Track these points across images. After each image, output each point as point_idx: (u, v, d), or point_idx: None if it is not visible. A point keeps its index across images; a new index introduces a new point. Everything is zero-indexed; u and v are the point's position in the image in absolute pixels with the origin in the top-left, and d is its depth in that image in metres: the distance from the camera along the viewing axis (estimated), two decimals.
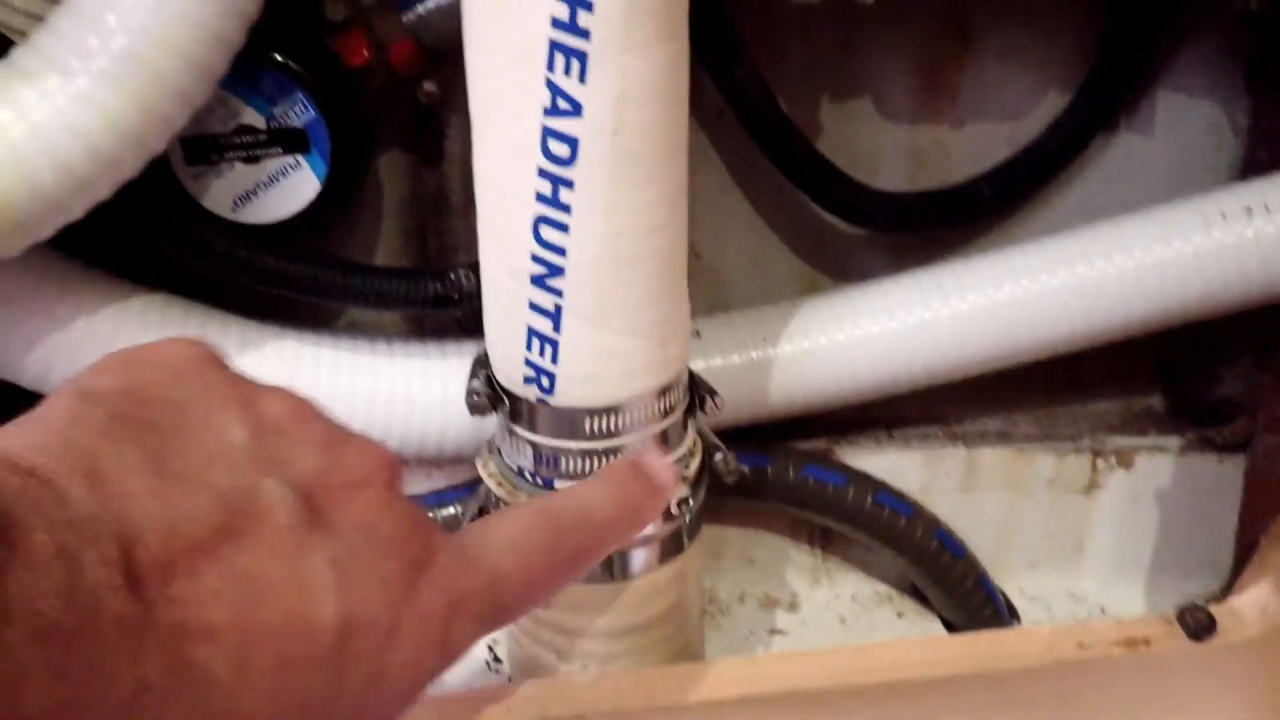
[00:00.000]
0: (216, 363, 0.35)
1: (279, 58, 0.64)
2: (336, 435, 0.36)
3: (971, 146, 0.83)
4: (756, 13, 0.76)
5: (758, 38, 0.76)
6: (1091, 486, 0.89)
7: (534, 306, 0.55)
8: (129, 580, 0.27)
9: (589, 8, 0.48)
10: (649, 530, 0.61)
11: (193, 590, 0.28)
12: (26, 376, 0.66)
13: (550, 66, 0.49)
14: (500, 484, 0.62)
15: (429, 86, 0.69)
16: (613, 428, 0.58)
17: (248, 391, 0.34)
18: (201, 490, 0.30)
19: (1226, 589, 0.88)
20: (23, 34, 0.57)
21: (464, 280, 0.70)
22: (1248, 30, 0.79)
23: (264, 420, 0.34)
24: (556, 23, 0.48)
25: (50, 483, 0.27)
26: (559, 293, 0.54)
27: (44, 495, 0.27)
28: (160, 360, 0.34)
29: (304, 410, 0.36)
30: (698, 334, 0.77)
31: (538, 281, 0.54)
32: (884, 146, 0.82)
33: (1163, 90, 0.82)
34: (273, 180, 0.66)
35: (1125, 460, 0.88)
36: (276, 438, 0.34)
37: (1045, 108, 0.82)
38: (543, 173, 0.51)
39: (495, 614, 0.38)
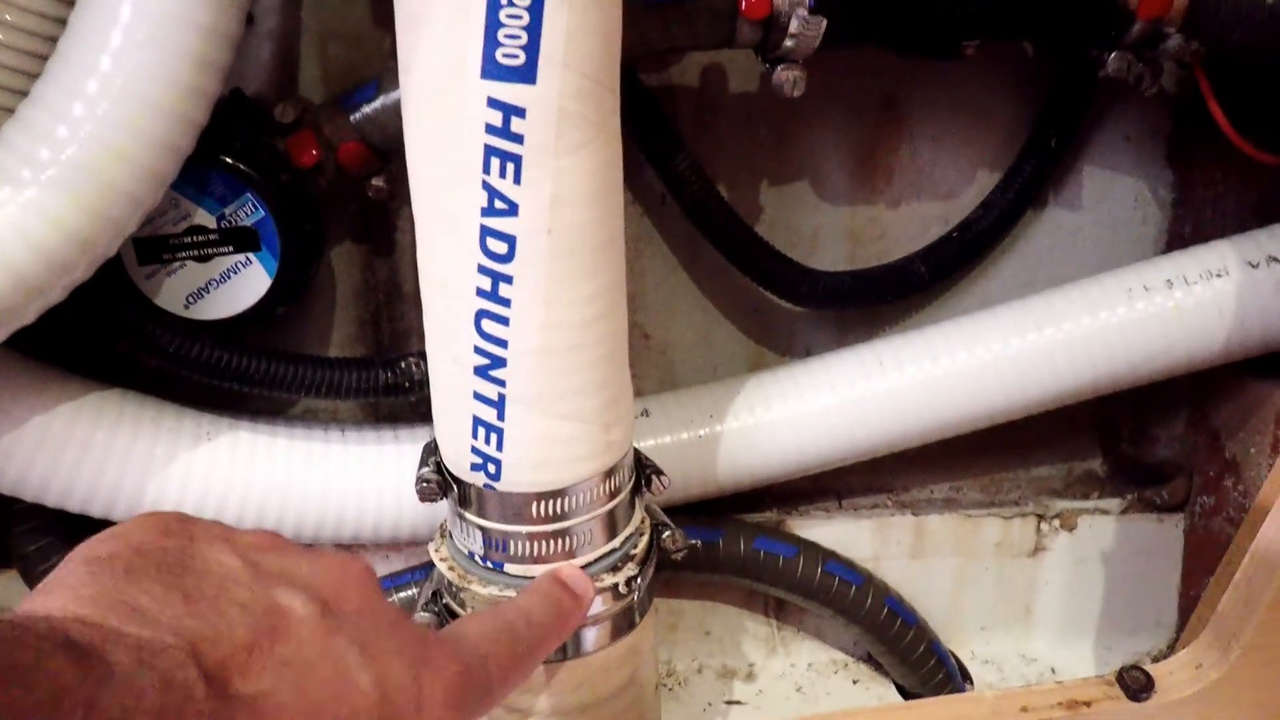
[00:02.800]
0: (189, 518, 0.40)
1: (229, 160, 0.65)
2: (311, 550, 0.42)
3: (907, 225, 0.86)
4: (697, 104, 0.79)
5: (698, 127, 0.79)
6: (1037, 549, 0.91)
7: (478, 396, 0.56)
8: (205, 678, 0.32)
9: (521, 114, 0.50)
10: (599, 609, 0.62)
11: (254, 682, 0.34)
12: None
13: (486, 169, 0.51)
14: (452, 568, 0.63)
15: (378, 183, 0.71)
16: (560, 511, 0.60)
17: (225, 531, 0.40)
18: (229, 606, 0.35)
19: (1173, 645, 0.90)
20: None
21: (414, 368, 0.71)
22: (1167, 110, 0.83)
23: (248, 548, 0.39)
24: (491, 128, 0.50)
25: (101, 625, 0.32)
26: (502, 382, 0.56)
27: (102, 632, 0.31)
28: (145, 525, 0.38)
29: (275, 537, 0.42)
30: (646, 413, 0.79)
31: (481, 372, 0.56)
32: (823, 227, 0.85)
33: (1088, 167, 0.85)
34: (224, 278, 0.68)
35: (1068, 523, 0.91)
36: (266, 557, 0.39)
37: (976, 187, 0.85)
38: (482, 269, 0.53)
39: (488, 690, 0.45)
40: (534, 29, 0.48)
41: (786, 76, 0.66)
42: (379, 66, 0.72)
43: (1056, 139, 0.81)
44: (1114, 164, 0.85)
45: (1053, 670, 0.94)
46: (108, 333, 0.69)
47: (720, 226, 0.78)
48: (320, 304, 0.80)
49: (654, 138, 0.75)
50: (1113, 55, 0.69)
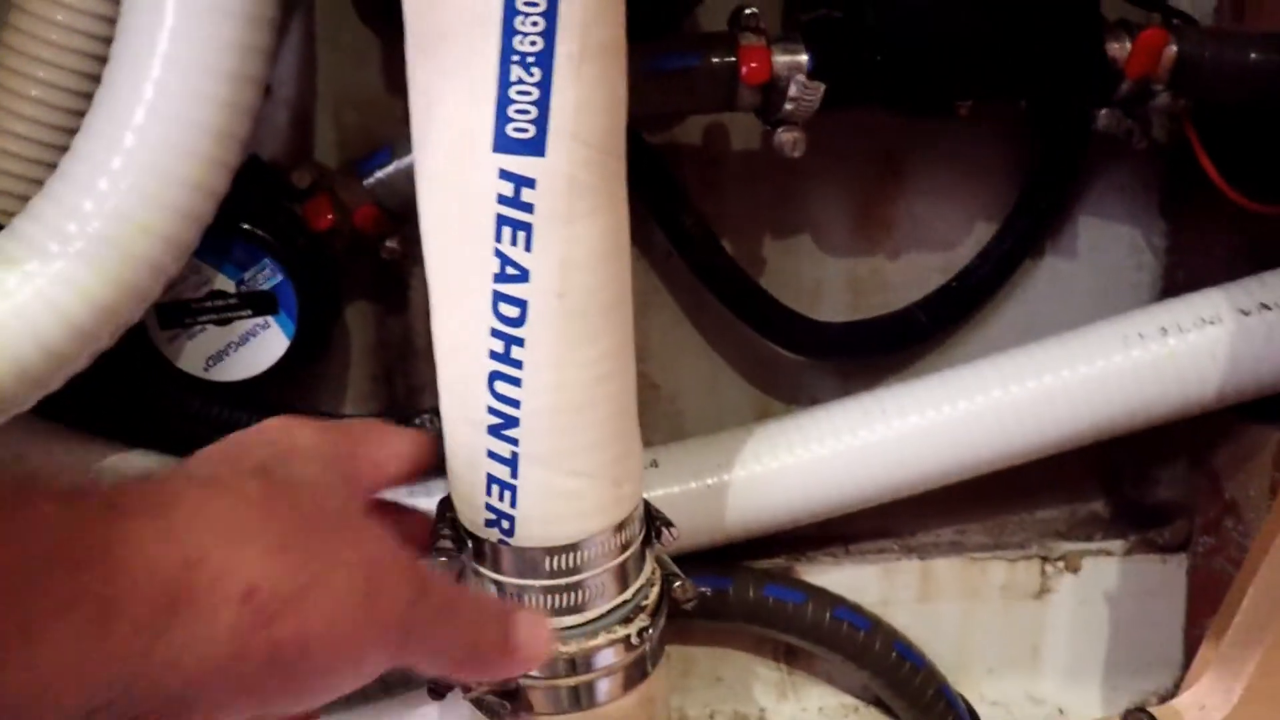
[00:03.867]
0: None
1: (247, 226, 0.67)
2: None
3: (907, 276, 0.87)
4: (701, 162, 0.81)
5: (703, 184, 0.81)
6: (1043, 591, 0.93)
7: (492, 454, 0.58)
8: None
9: (532, 185, 0.52)
10: (611, 660, 0.64)
11: None
12: None
13: (498, 238, 0.53)
14: None
15: (391, 244, 0.73)
16: (573, 565, 0.61)
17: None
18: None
19: (1179, 684, 0.91)
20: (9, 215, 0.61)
21: (428, 425, 0.73)
22: (1158, 161, 0.85)
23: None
24: (503, 199, 0.52)
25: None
26: (515, 441, 0.57)
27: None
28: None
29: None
30: (655, 463, 0.80)
31: (494, 431, 0.57)
32: (825, 279, 0.87)
33: (1084, 216, 0.87)
34: (243, 340, 0.70)
35: (1073, 565, 0.92)
36: None
37: (974, 237, 0.87)
38: (495, 332, 0.55)
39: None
40: (543, 104, 0.50)
41: (788, 138, 0.68)
42: (392, 132, 0.74)
43: (1051, 191, 0.83)
44: (1108, 213, 0.87)
45: (1060, 711, 0.94)
46: (129, 395, 0.71)
47: (725, 281, 0.80)
48: (335, 361, 0.82)
49: (660, 196, 0.77)
50: (1103, 112, 0.71)
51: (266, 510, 0.37)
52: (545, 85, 0.50)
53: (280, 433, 0.45)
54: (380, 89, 0.76)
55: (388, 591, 0.40)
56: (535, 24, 0.49)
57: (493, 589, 0.62)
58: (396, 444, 0.51)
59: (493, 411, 0.57)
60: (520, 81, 0.50)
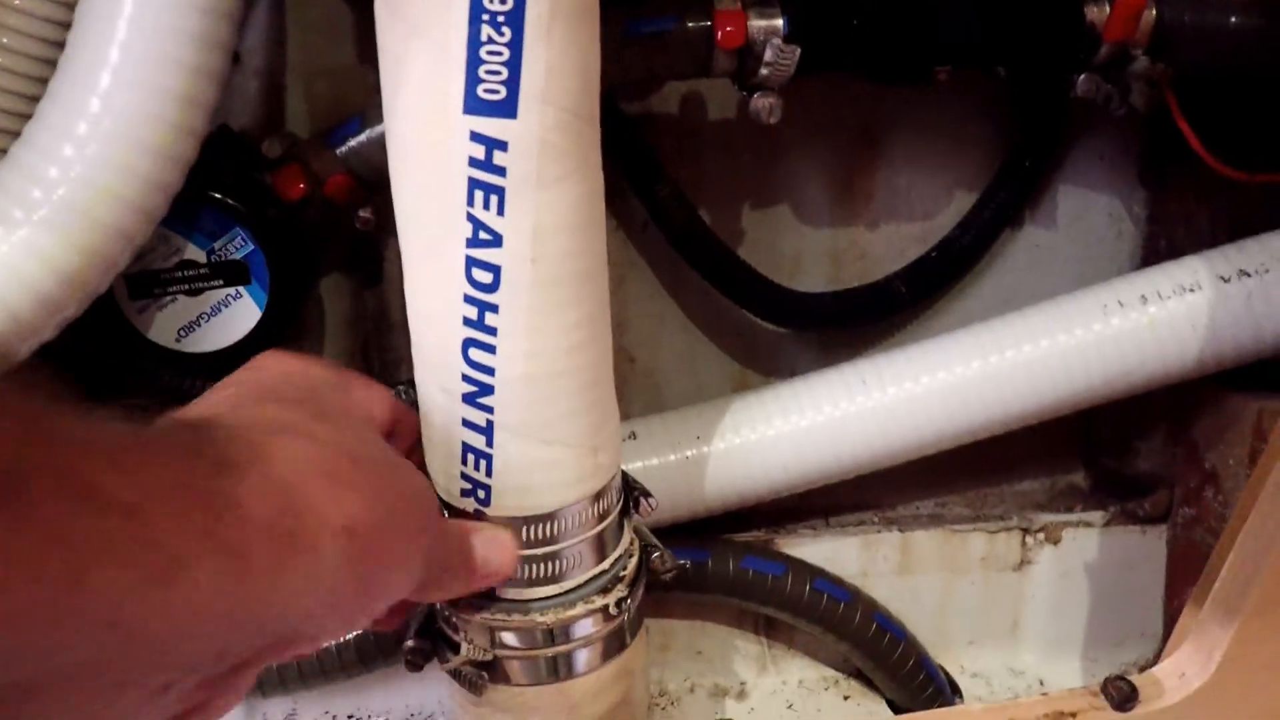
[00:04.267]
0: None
1: (218, 196, 0.67)
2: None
3: (887, 246, 0.87)
4: (677, 131, 0.80)
5: (679, 153, 0.81)
6: (1023, 563, 0.93)
7: (467, 423, 0.57)
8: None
9: (504, 148, 0.51)
10: (589, 630, 0.63)
11: None
12: None
13: (470, 202, 0.52)
14: None
15: (365, 214, 0.72)
16: (549, 535, 0.60)
17: None
18: None
19: (1159, 655, 0.91)
20: None
21: (403, 396, 0.72)
22: (1139, 129, 0.85)
23: None
24: (474, 161, 0.51)
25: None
26: (490, 409, 0.57)
27: None
28: None
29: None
30: (633, 435, 0.80)
31: (469, 399, 0.57)
32: (804, 249, 0.87)
33: (1063, 185, 0.87)
34: (215, 311, 0.69)
35: (1053, 536, 0.92)
36: None
37: (954, 207, 0.87)
38: (469, 299, 0.54)
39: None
40: (514, 65, 0.50)
41: (763, 104, 0.68)
42: (363, 101, 0.73)
43: (1031, 160, 0.82)
44: (1089, 182, 0.87)
45: (1041, 683, 0.95)
46: (99, 366, 0.70)
47: (703, 251, 0.79)
48: (310, 335, 0.82)
49: (636, 166, 0.77)
50: (1082, 77, 0.71)
51: (338, 451, 0.42)
52: (516, 45, 0.49)
53: (287, 366, 0.49)
54: (351, 58, 0.76)
55: (430, 521, 0.49)
56: None
57: None
58: (377, 391, 0.54)
59: (467, 379, 0.56)
60: (490, 41, 0.49)
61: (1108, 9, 0.68)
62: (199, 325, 0.70)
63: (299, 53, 0.76)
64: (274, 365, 0.49)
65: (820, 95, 0.80)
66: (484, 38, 0.49)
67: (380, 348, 0.83)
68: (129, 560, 0.31)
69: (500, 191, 0.52)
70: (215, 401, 0.44)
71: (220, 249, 0.68)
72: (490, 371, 0.56)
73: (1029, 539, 0.92)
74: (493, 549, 0.56)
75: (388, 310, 0.82)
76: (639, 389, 0.89)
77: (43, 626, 0.29)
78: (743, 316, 0.86)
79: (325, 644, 0.44)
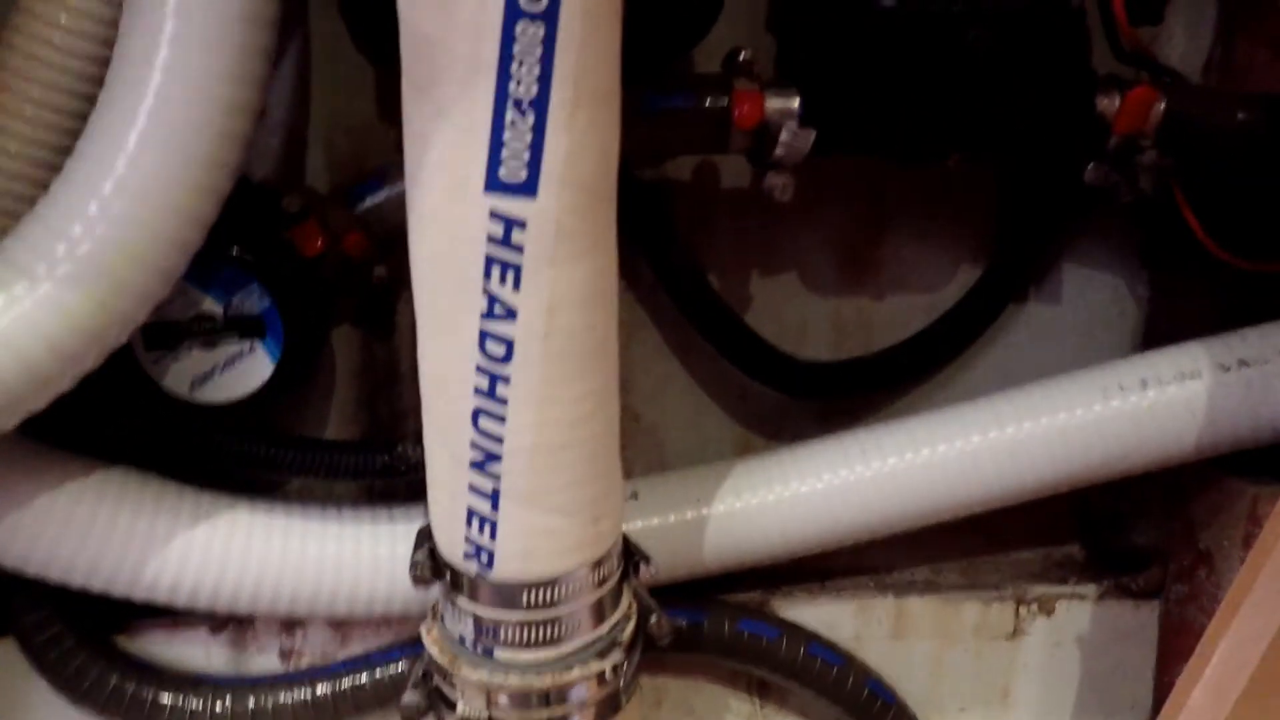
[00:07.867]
0: None
1: (236, 251, 0.68)
2: None
3: (892, 317, 0.88)
4: (690, 199, 0.81)
5: (691, 220, 0.82)
6: (1016, 633, 0.93)
7: (474, 489, 0.58)
8: None
9: (522, 226, 0.52)
10: (584, 694, 0.64)
11: None
12: None
13: (487, 277, 0.53)
14: (443, 651, 0.64)
15: (380, 271, 0.73)
16: (550, 599, 0.61)
17: None
18: None
19: None
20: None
21: (410, 452, 0.73)
22: (1143, 210, 0.86)
23: None
24: (493, 239, 0.52)
25: None
26: (497, 477, 0.58)
27: None
28: None
29: None
30: (635, 495, 0.80)
31: (477, 466, 0.58)
32: (810, 318, 0.87)
33: (1068, 263, 0.88)
34: (229, 363, 0.70)
35: (1046, 607, 0.92)
36: None
37: (959, 280, 0.87)
38: (481, 370, 0.55)
39: None
40: (536, 148, 0.51)
41: (777, 182, 0.69)
42: (383, 158, 0.74)
43: (1035, 238, 0.83)
44: (1092, 261, 0.88)
45: None
46: (114, 414, 0.71)
47: (710, 317, 0.80)
48: (320, 384, 0.82)
49: (648, 231, 0.78)
50: (1091, 165, 0.72)
51: None
52: (539, 130, 0.51)
53: None
54: (372, 115, 0.77)
55: None
56: (531, 70, 0.49)
57: (470, 621, 0.62)
58: None
59: (476, 447, 0.57)
60: (514, 125, 0.50)
61: (1118, 101, 0.70)
62: (213, 377, 0.71)
63: (321, 108, 0.77)
64: None
65: (831, 167, 0.81)
66: (508, 121, 0.50)
67: (389, 399, 0.84)
68: None
69: (517, 268, 0.53)
70: None
71: (237, 303, 0.69)
72: (499, 440, 0.57)
73: (1023, 609, 0.92)
74: None
75: (397, 361, 0.83)
76: (642, 447, 0.89)
77: None
78: (748, 380, 0.86)
79: None
